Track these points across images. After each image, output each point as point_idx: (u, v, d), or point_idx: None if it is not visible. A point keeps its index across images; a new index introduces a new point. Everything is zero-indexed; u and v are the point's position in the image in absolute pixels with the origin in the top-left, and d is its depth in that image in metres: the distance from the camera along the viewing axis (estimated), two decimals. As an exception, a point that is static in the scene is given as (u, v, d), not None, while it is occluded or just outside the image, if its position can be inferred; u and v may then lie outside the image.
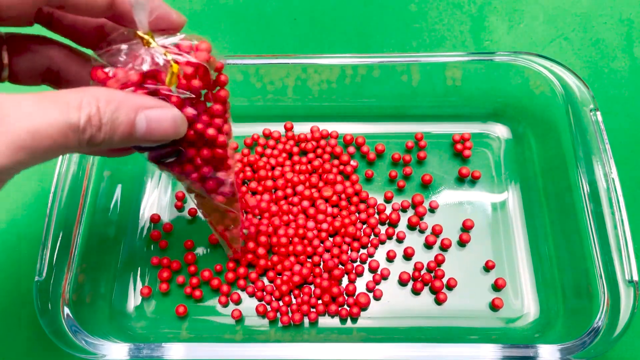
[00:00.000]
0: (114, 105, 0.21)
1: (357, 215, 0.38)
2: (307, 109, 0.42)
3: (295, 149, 0.41)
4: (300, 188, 0.39)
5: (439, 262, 0.37)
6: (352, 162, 0.41)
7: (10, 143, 0.18)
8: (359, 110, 0.42)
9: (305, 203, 0.38)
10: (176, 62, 0.23)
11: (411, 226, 0.39)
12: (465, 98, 0.41)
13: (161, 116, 0.23)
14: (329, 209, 0.38)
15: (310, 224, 0.37)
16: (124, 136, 0.21)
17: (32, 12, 0.23)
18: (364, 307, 0.35)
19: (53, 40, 0.26)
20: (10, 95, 0.19)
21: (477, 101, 0.42)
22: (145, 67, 0.22)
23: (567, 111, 0.36)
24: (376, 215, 0.39)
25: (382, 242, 0.38)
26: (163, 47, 0.23)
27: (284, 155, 0.41)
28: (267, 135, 0.42)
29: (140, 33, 0.22)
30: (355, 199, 0.39)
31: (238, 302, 0.36)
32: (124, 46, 0.23)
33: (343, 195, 0.39)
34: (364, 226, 0.38)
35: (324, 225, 0.37)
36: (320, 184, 0.39)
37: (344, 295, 0.36)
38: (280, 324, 0.35)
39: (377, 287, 0.36)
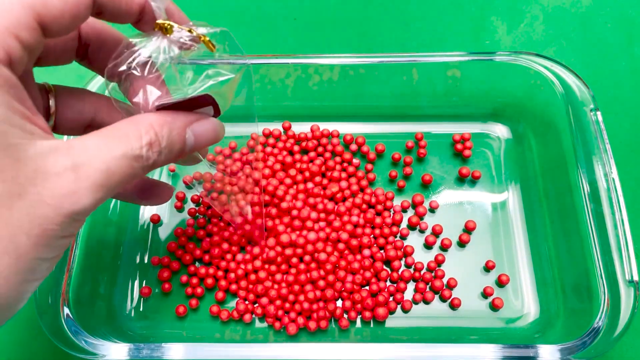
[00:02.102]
0: (167, 128, 0.22)
1: (364, 214, 0.38)
2: (307, 109, 0.42)
3: (296, 148, 0.41)
4: (309, 185, 0.39)
5: (439, 262, 0.37)
6: (355, 160, 0.41)
7: (91, 185, 0.19)
8: (359, 110, 0.42)
9: (312, 200, 0.38)
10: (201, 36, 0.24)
11: (411, 226, 0.39)
12: (465, 98, 0.41)
13: (204, 127, 0.24)
14: (334, 207, 0.38)
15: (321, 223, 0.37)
16: (179, 153, 0.23)
17: (75, 41, 0.24)
18: (381, 319, 0.35)
19: (97, 93, 0.27)
20: (77, 139, 0.20)
21: (477, 101, 0.42)
22: (174, 52, 0.23)
23: (567, 111, 0.36)
24: (388, 219, 0.38)
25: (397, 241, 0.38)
26: (185, 28, 0.24)
27: (285, 153, 0.41)
28: (268, 135, 0.42)
29: (160, 22, 0.23)
30: (359, 197, 0.39)
31: (239, 302, 0.36)
32: (137, 54, 0.23)
33: (348, 192, 0.39)
34: (374, 229, 0.38)
35: (342, 235, 0.37)
36: (323, 182, 0.39)
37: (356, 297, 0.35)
38: (281, 327, 0.35)
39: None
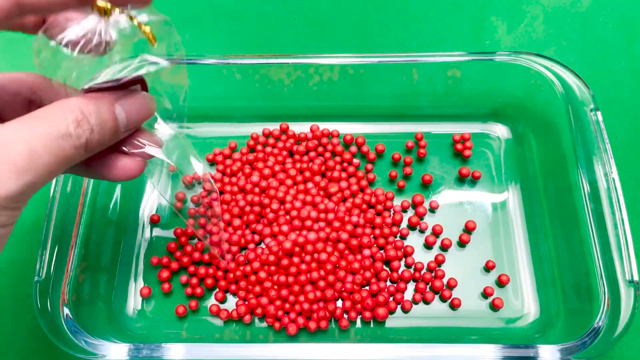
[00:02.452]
0: (94, 106, 0.21)
1: (363, 214, 0.38)
2: (307, 109, 0.42)
3: (296, 148, 0.41)
4: (309, 185, 0.39)
5: (439, 262, 0.37)
6: (355, 160, 0.41)
7: (12, 169, 0.18)
8: (359, 110, 0.42)
9: (318, 198, 0.38)
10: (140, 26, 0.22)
11: (411, 226, 0.39)
12: (465, 98, 0.41)
13: (134, 101, 0.24)
14: (334, 206, 0.38)
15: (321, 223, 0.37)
16: (113, 131, 0.23)
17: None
18: (381, 319, 0.35)
19: (26, 73, 0.25)
20: None
21: (477, 101, 0.42)
22: (110, 37, 0.22)
23: (568, 111, 0.36)
24: (388, 219, 0.38)
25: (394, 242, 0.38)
26: (127, 16, 0.22)
27: (285, 153, 0.41)
28: (268, 135, 0.42)
29: (100, 3, 0.21)
30: (359, 197, 0.39)
31: (239, 301, 0.36)
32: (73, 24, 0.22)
33: (348, 192, 0.39)
34: (374, 229, 0.38)
35: (343, 235, 0.37)
36: (322, 183, 0.39)
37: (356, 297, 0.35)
38: (280, 327, 0.35)
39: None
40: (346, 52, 0.40)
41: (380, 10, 0.49)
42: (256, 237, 0.38)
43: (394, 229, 0.38)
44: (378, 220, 0.38)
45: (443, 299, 0.36)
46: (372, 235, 0.38)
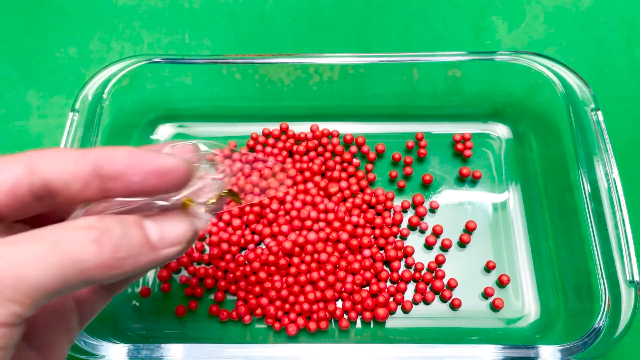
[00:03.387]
0: (115, 221, 0.17)
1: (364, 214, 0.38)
2: (307, 109, 0.42)
3: (296, 148, 0.41)
4: (309, 185, 0.39)
5: (439, 262, 0.37)
6: (355, 160, 0.41)
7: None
8: (359, 110, 0.42)
9: (317, 198, 0.38)
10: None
11: (411, 226, 0.39)
12: (465, 98, 0.41)
13: (172, 221, 0.19)
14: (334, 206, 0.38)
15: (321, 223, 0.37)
16: (148, 257, 0.18)
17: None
18: (381, 319, 0.35)
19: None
20: None
21: (478, 101, 0.41)
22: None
23: (568, 111, 0.36)
24: (388, 220, 0.38)
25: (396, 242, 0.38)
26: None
27: (285, 153, 0.41)
28: (267, 135, 0.42)
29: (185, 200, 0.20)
30: (359, 197, 0.39)
31: (239, 301, 0.36)
32: None
33: (348, 192, 0.39)
34: (374, 229, 0.38)
35: (342, 235, 0.37)
36: (322, 183, 0.39)
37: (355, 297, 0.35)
38: (280, 327, 0.35)
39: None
40: (346, 52, 0.40)
41: (380, 10, 0.49)
42: (256, 237, 0.38)
43: (394, 229, 0.38)
44: (378, 220, 0.38)
45: (443, 299, 0.36)
46: (372, 236, 0.38)
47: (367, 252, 0.37)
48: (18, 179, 0.17)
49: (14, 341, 0.16)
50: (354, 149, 0.41)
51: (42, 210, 0.19)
